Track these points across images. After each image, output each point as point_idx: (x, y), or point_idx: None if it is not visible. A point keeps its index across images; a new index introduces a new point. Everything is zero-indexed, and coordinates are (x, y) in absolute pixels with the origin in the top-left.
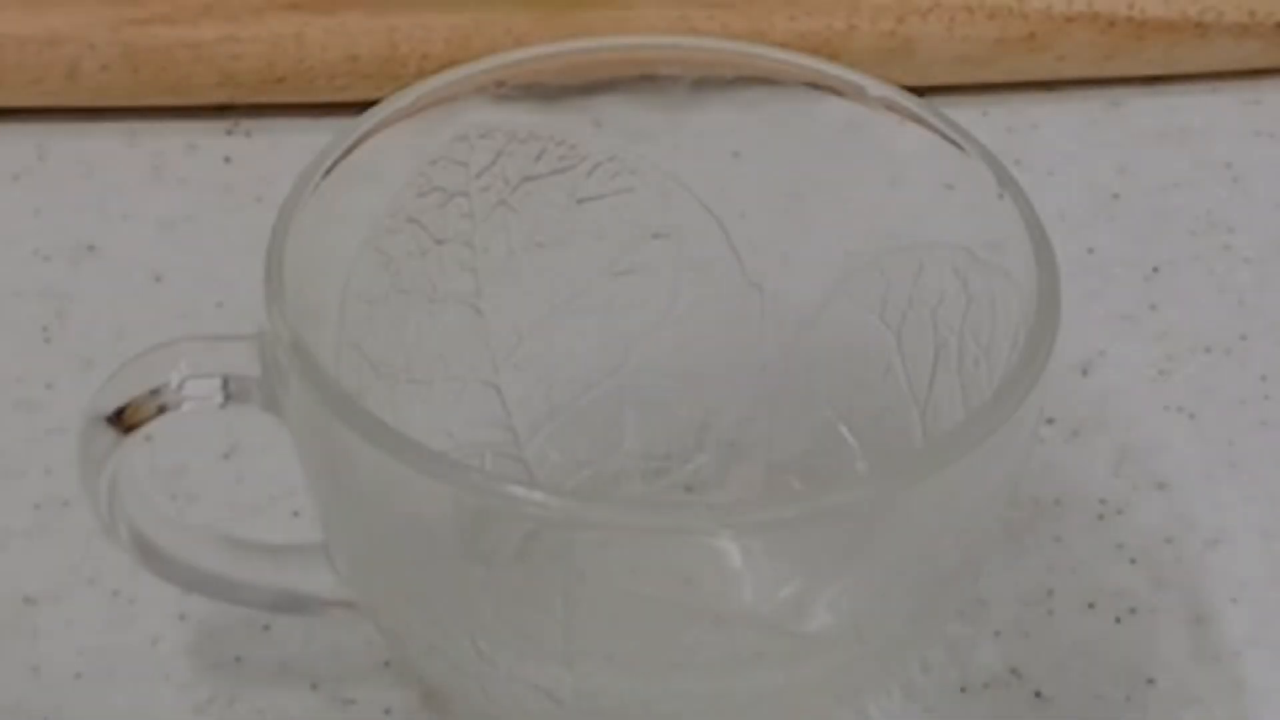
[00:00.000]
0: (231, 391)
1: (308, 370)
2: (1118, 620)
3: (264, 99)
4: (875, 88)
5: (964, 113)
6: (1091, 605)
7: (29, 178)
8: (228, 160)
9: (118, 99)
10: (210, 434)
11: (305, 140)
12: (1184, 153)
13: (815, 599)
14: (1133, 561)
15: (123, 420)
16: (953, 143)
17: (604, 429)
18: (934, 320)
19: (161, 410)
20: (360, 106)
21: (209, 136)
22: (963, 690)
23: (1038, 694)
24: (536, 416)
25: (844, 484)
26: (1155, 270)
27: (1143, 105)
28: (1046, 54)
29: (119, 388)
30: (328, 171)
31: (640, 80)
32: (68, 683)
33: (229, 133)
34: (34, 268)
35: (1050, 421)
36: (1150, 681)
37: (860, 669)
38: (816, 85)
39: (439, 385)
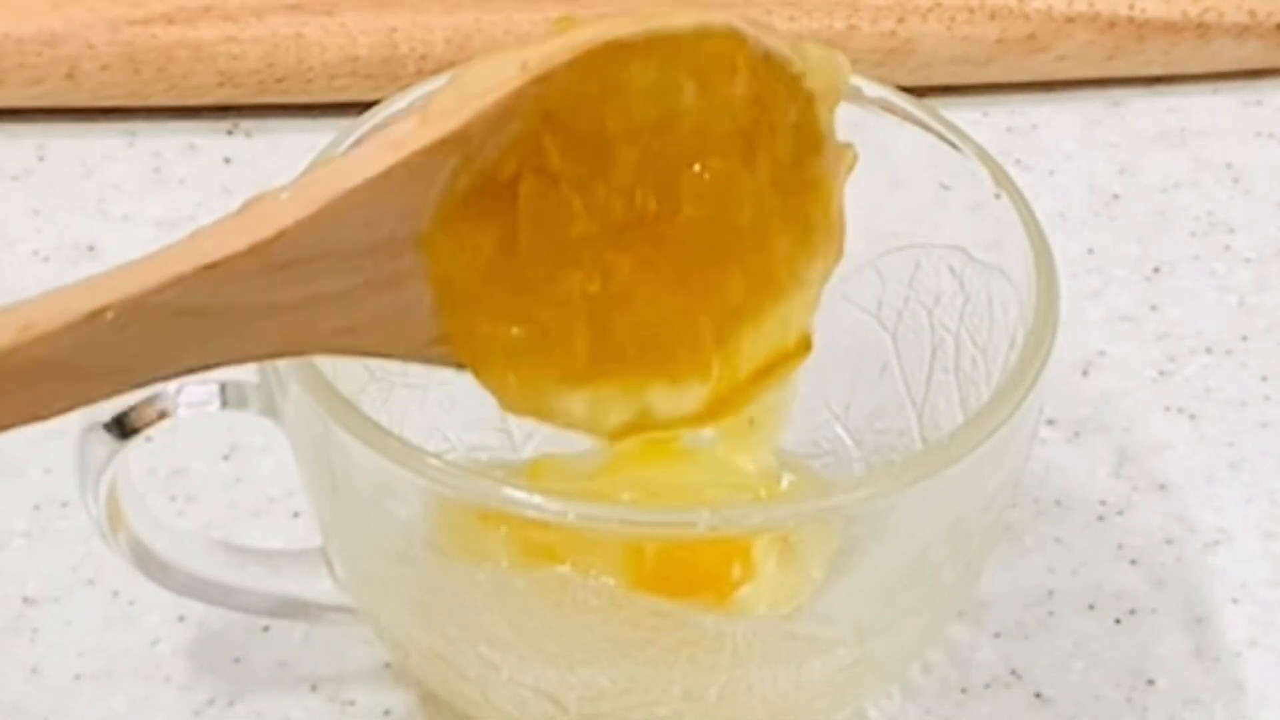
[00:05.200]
0: (229, 397)
1: (306, 375)
2: (1118, 621)
3: (264, 99)
4: (871, 89)
5: (964, 113)
6: (1092, 606)
7: (29, 178)
8: (228, 160)
9: (118, 99)
10: (210, 435)
11: (305, 140)
12: (1184, 153)
13: (815, 600)
14: (1133, 562)
15: (120, 427)
16: (949, 143)
17: None
18: (931, 320)
19: (159, 417)
20: (360, 107)
21: (209, 136)
22: (963, 691)
23: (1038, 695)
24: None
25: (843, 486)
26: (1155, 270)
27: (1143, 105)
28: (1047, 54)
29: None
30: None
31: None
32: (67, 683)
33: (229, 133)
34: (34, 268)
35: (1050, 422)
36: (1150, 682)
37: (860, 669)
38: None
39: (434, 389)
